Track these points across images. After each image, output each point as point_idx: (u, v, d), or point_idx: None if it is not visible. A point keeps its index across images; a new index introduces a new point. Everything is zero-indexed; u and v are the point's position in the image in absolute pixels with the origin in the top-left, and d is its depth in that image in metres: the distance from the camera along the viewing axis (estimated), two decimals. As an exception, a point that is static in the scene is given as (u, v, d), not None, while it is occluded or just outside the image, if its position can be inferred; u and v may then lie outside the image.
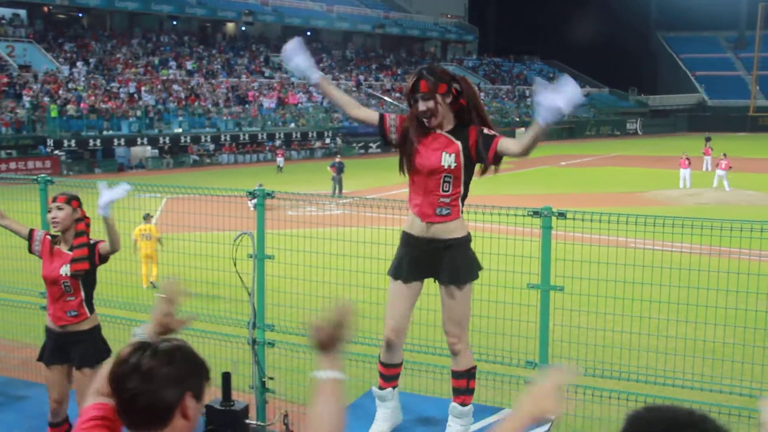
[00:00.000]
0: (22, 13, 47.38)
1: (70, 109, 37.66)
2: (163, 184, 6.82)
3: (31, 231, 5.05)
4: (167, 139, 39.33)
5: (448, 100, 3.74)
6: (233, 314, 6.18)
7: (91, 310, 4.96)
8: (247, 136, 42.78)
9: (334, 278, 5.85)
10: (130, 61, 47.00)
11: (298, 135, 45.14)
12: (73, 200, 4.88)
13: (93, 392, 2.23)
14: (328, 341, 2.01)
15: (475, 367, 4.10)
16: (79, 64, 43.89)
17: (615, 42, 77.52)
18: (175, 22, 55.59)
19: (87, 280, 4.90)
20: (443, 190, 3.79)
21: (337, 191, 23.75)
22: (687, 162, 26.56)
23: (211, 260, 6.33)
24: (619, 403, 4.82)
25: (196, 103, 44.13)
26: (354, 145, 46.18)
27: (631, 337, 5.66)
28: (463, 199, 3.90)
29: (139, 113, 39.90)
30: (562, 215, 4.85)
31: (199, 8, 54.76)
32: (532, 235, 4.96)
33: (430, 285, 4.10)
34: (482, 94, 64.00)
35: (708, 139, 33.91)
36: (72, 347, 4.88)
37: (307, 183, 26.79)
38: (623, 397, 4.86)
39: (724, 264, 5.19)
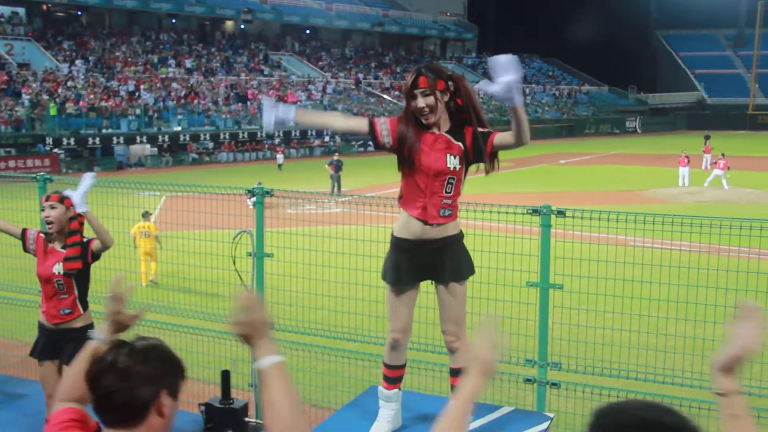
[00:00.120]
0: (21, 11, 47.36)
1: (69, 107, 37.64)
2: (163, 183, 6.82)
3: (24, 230, 5.07)
4: (166, 138, 39.31)
5: (446, 98, 3.74)
6: (232, 313, 6.17)
7: (85, 307, 4.97)
8: (246, 135, 42.77)
9: (333, 276, 5.85)
10: (130, 59, 46.97)
11: (297, 133, 45.13)
12: (66, 199, 4.88)
13: (60, 398, 2.25)
14: (252, 331, 2.03)
15: None
16: (78, 62, 43.85)
17: (614, 40, 77.52)
18: (174, 20, 55.56)
19: (80, 278, 4.90)
20: (446, 192, 3.78)
21: (335, 189, 23.75)
22: (686, 160, 26.56)
23: (210, 258, 6.33)
24: (619, 401, 4.81)
25: (196, 102, 44.12)
26: (353, 143, 46.18)
27: (631, 336, 5.66)
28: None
29: (138, 111, 39.87)
30: (561, 213, 4.85)
31: (198, 6, 54.73)
32: (532, 233, 4.96)
33: (428, 283, 4.10)
34: (481, 92, 63.92)
35: (707, 137, 33.94)
36: (65, 344, 4.87)
37: (307, 181, 26.80)
38: (622, 395, 4.86)
39: (723, 262, 5.19)
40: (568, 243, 5.28)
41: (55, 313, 4.86)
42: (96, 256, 4.93)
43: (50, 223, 4.82)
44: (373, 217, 5.86)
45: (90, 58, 45.23)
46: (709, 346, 5.27)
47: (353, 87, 55.83)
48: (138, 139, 38.22)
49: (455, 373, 4.04)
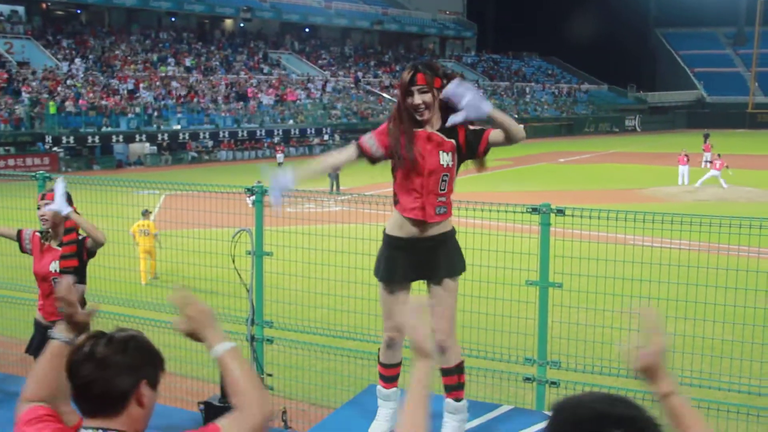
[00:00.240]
0: (21, 9, 47.30)
1: (69, 105, 37.61)
2: (162, 181, 6.81)
3: (19, 231, 5.09)
4: (166, 136, 39.28)
5: (441, 96, 3.75)
6: (232, 311, 6.17)
7: (82, 305, 4.95)
8: (245, 133, 42.74)
9: (332, 275, 5.86)
10: (129, 58, 46.94)
11: (297, 132, 45.12)
12: None
13: (25, 399, 2.25)
14: (197, 325, 2.10)
15: (463, 361, 4.09)
16: (77, 60, 43.81)
17: (614, 38, 77.49)
18: (173, 19, 55.50)
19: (77, 276, 4.90)
20: (441, 190, 3.79)
21: (334, 188, 23.74)
22: (686, 159, 26.55)
23: (209, 257, 6.33)
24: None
25: (195, 100, 44.09)
26: (352, 141, 46.12)
27: (630, 335, 5.66)
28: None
29: (137, 110, 39.84)
30: (560, 212, 4.85)
31: (198, 4, 54.68)
32: (531, 232, 4.96)
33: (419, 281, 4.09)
34: (481, 90, 63.90)
35: (707, 136, 33.92)
36: None
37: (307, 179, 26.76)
38: (622, 394, 4.86)
39: (722, 261, 5.19)
40: (567, 241, 5.28)
41: (52, 310, 4.86)
42: (91, 254, 4.93)
43: (45, 220, 4.86)
44: (373, 215, 5.86)
45: (89, 56, 45.19)
46: (709, 345, 5.28)
47: (352, 85, 55.79)
48: (137, 137, 38.19)
49: (447, 372, 4.04)
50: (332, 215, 7.13)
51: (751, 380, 4.79)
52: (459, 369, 4.05)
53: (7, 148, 34.31)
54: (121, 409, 1.96)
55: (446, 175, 3.78)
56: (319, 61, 58.86)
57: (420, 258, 3.87)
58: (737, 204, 21.62)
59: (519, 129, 3.65)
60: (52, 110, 35.73)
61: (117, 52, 47.27)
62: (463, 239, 4.14)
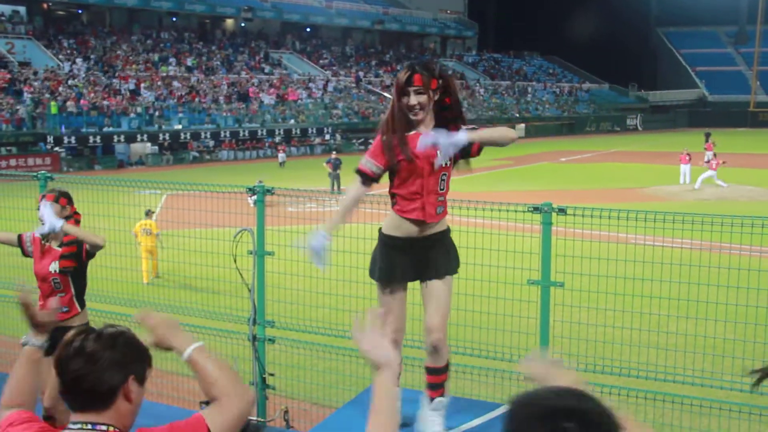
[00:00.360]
0: (22, 9, 47.35)
1: (70, 105, 37.64)
2: (163, 181, 6.81)
3: (19, 236, 5.10)
4: (167, 136, 39.31)
5: (437, 96, 3.75)
6: (233, 311, 6.18)
7: (82, 306, 4.97)
8: (246, 133, 42.77)
9: (333, 275, 5.85)
10: (130, 58, 46.96)
11: (298, 131, 45.14)
12: (61, 198, 4.88)
13: (4, 405, 2.28)
14: (161, 335, 2.19)
15: (449, 360, 4.14)
16: (78, 60, 43.85)
17: (615, 37, 77.45)
18: (174, 19, 55.54)
19: (76, 276, 4.91)
20: (440, 189, 3.80)
21: (335, 187, 23.74)
22: (687, 157, 26.50)
23: (211, 257, 6.33)
24: (620, 399, 4.81)
25: (196, 100, 44.11)
26: (353, 141, 46.16)
27: (632, 333, 5.66)
28: None
29: (139, 110, 39.87)
30: (562, 211, 4.84)
31: (199, 4, 54.70)
32: (533, 231, 4.95)
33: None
34: (482, 89, 63.96)
35: (708, 135, 33.87)
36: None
37: (306, 179, 26.80)
38: (623, 393, 4.86)
39: (724, 260, 5.19)
40: (569, 241, 5.27)
41: None
42: (90, 255, 4.93)
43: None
44: (374, 215, 5.85)
45: (91, 56, 45.22)
46: (710, 344, 5.27)
47: (354, 85, 55.80)
48: (139, 137, 38.23)
49: (438, 371, 4.04)
50: (333, 215, 7.11)
51: (754, 379, 4.78)
52: (447, 368, 4.09)
53: (8, 148, 34.35)
54: (109, 404, 1.99)
55: (444, 174, 3.81)
56: (321, 61, 58.86)
57: (418, 257, 3.88)
58: (738, 203, 21.59)
59: (506, 136, 3.67)
60: (54, 110, 35.77)
61: (118, 52, 47.30)
62: (465, 238, 4.15)
